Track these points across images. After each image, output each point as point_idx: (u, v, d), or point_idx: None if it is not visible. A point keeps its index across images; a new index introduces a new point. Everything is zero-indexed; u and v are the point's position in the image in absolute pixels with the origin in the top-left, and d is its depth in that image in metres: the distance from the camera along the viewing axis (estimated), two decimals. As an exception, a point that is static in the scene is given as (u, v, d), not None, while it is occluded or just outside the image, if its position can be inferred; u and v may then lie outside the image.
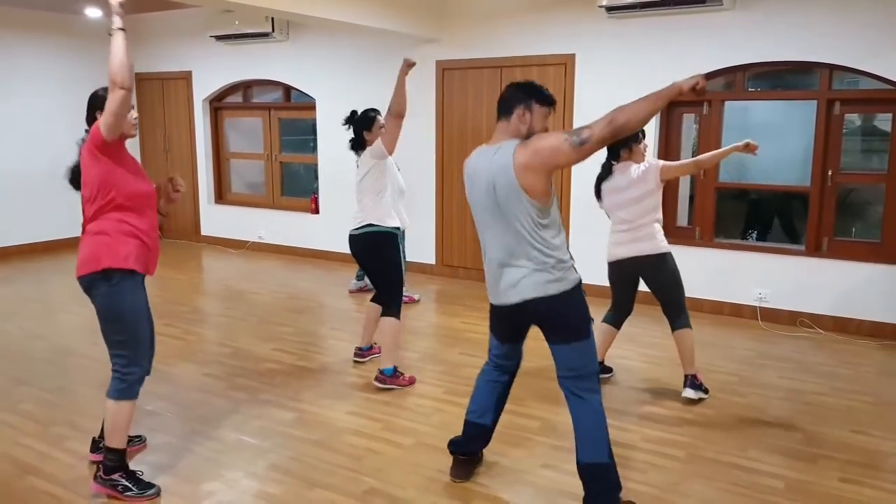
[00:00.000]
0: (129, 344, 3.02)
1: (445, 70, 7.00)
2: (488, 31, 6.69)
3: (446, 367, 4.65)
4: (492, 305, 3.02)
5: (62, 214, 7.92)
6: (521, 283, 2.80)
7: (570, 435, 3.62)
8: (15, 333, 5.32)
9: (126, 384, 3.03)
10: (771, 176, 6.39)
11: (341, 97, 7.76)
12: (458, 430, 3.69)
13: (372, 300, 4.59)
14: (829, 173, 5.55)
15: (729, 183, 6.31)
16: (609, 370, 4.58)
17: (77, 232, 3.11)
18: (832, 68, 5.40)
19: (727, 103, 5.91)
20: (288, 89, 8.42)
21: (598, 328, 4.05)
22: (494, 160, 2.77)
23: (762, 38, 5.49)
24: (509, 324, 3.04)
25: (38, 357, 4.84)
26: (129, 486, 3.04)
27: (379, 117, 4.49)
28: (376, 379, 4.28)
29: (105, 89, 2.94)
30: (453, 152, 7.11)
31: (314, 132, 8.14)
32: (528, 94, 2.81)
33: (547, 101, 2.83)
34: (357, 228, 4.30)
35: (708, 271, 5.99)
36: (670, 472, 3.32)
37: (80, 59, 8.77)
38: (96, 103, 3.11)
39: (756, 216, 7.21)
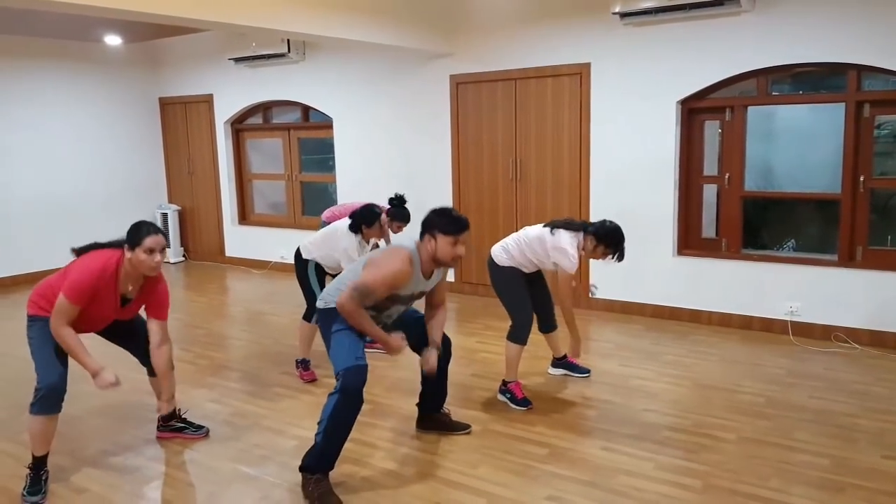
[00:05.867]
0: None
1: (459, 84, 6.89)
2: (501, 43, 6.57)
3: (456, 390, 4.48)
4: None
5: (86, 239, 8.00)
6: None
7: (579, 464, 3.48)
8: (27, 359, 5.30)
9: (34, 399, 3.30)
10: (800, 183, 6.11)
11: (357, 115, 7.73)
12: (463, 459, 3.57)
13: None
14: (861, 179, 5.27)
15: (755, 191, 6.05)
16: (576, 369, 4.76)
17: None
18: (860, 69, 5.14)
19: (751, 108, 5.68)
20: (306, 109, 8.42)
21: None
22: None
23: (784, 39, 5.26)
24: None
25: (49, 385, 4.81)
26: (26, 482, 3.33)
27: (384, 216, 4.79)
28: None
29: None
30: (469, 167, 6.99)
31: (333, 151, 8.10)
32: (434, 223, 3.28)
33: (451, 230, 3.25)
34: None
35: (736, 284, 5.74)
36: None
37: (100, 84, 8.90)
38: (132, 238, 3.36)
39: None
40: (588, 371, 4.73)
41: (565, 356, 4.74)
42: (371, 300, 3.22)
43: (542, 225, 4.30)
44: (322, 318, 3.36)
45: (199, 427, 3.94)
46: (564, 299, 4.16)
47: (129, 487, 3.39)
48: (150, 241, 3.27)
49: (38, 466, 3.36)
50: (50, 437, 3.37)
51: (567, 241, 4.11)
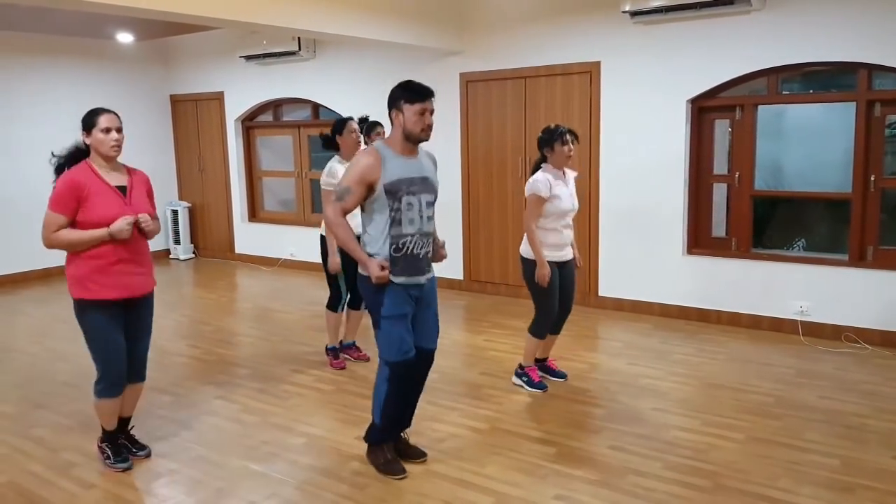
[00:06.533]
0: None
1: (469, 82, 6.90)
2: (511, 41, 6.57)
3: (464, 389, 4.51)
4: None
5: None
6: None
7: (587, 463, 3.48)
8: (40, 355, 5.37)
9: (100, 386, 3.42)
10: (810, 182, 6.08)
11: (367, 113, 7.70)
12: (471, 457, 3.57)
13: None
14: (872, 178, 5.24)
15: (765, 191, 6.03)
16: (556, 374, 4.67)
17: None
18: (871, 68, 5.11)
19: (761, 107, 5.66)
20: (316, 107, 8.44)
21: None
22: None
23: (794, 38, 5.24)
24: None
25: (60, 380, 4.86)
26: (108, 454, 3.52)
27: (352, 122, 4.78)
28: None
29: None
30: (479, 165, 6.99)
31: (342, 148, 8.11)
32: (396, 96, 3.19)
33: (415, 97, 3.16)
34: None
35: (746, 284, 5.72)
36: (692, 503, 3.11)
37: (112, 81, 8.95)
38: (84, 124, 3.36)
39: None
40: (565, 376, 4.65)
41: (546, 359, 4.71)
42: (351, 200, 3.15)
43: None
44: (363, 283, 3.29)
45: (143, 447, 3.67)
46: (527, 219, 4.21)
47: (138, 483, 3.41)
48: (103, 119, 3.26)
49: (113, 438, 3.55)
50: (118, 411, 3.53)
51: (534, 176, 4.26)
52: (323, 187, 4.67)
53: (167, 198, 9.58)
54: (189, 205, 9.59)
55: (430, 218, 3.33)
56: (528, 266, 4.27)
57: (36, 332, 5.99)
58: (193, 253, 9.70)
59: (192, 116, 9.45)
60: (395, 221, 3.18)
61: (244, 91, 8.78)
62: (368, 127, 5.00)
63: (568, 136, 4.23)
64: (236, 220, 9.25)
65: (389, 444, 3.43)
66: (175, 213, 9.44)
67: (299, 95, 8.31)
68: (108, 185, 3.29)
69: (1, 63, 7.97)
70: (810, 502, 3.08)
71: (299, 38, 7.66)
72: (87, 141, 3.28)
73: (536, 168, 4.35)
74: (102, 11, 4.48)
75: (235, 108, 8.94)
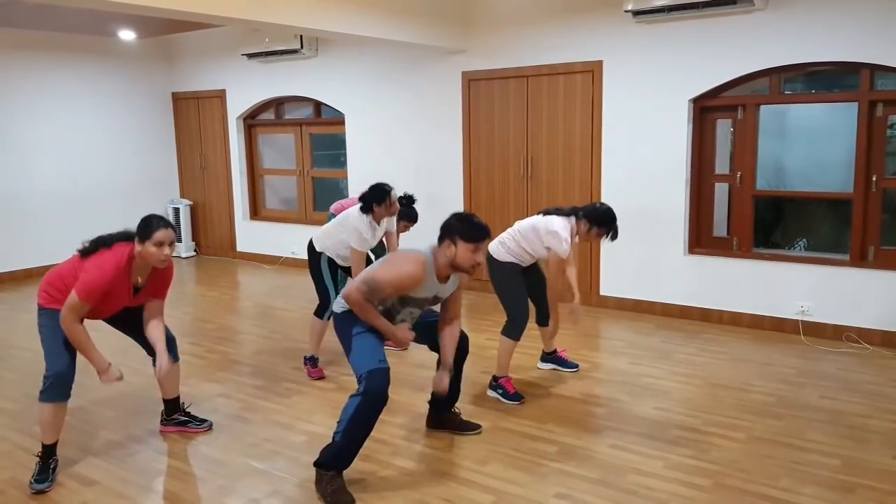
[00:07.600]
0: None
1: (471, 81, 6.89)
2: (514, 40, 6.57)
3: (465, 387, 4.46)
4: None
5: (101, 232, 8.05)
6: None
7: (588, 462, 3.48)
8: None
9: (43, 386, 3.37)
10: (812, 182, 6.09)
11: (369, 111, 7.73)
12: (472, 455, 3.58)
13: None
14: (874, 178, 5.24)
15: (767, 190, 6.03)
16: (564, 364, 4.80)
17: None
18: (873, 68, 5.11)
19: (763, 107, 5.65)
20: (318, 105, 8.44)
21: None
22: None
23: (797, 38, 5.24)
24: None
25: (62, 377, 4.85)
26: (35, 469, 3.40)
27: (394, 193, 4.63)
28: None
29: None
30: (480, 164, 6.99)
31: (344, 147, 8.12)
32: (455, 229, 3.23)
33: (473, 237, 3.20)
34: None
35: (747, 283, 5.72)
36: (693, 503, 3.11)
37: (114, 79, 8.95)
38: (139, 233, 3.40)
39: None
40: (577, 366, 4.76)
41: (555, 351, 4.78)
42: (378, 297, 3.21)
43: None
44: (339, 322, 3.34)
45: (203, 420, 3.97)
46: (554, 281, 4.24)
47: (139, 480, 3.41)
48: (159, 234, 3.31)
49: (48, 455, 3.42)
50: (59, 426, 3.43)
51: (560, 225, 4.17)
52: (354, 247, 4.56)
53: (169, 195, 9.58)
54: (190, 202, 9.59)
55: (416, 318, 3.48)
56: (496, 268, 4.26)
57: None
58: (195, 251, 9.70)
59: (193, 114, 9.45)
60: (387, 312, 3.32)
61: (246, 89, 8.78)
62: (408, 213, 5.13)
63: (609, 235, 4.26)
64: (238, 218, 9.26)
65: (340, 474, 3.19)
66: (176, 210, 9.44)
67: (301, 93, 8.31)
68: (129, 281, 3.41)
69: (2, 60, 7.97)
70: (812, 502, 3.08)
71: (301, 36, 7.66)
72: (138, 248, 3.33)
73: (572, 214, 4.29)
74: (106, 9, 4.48)
75: (237, 106, 8.94)
